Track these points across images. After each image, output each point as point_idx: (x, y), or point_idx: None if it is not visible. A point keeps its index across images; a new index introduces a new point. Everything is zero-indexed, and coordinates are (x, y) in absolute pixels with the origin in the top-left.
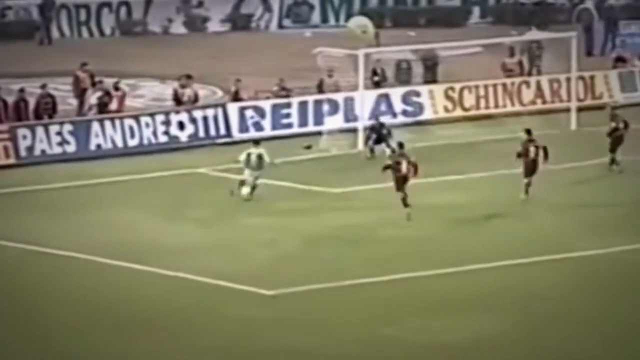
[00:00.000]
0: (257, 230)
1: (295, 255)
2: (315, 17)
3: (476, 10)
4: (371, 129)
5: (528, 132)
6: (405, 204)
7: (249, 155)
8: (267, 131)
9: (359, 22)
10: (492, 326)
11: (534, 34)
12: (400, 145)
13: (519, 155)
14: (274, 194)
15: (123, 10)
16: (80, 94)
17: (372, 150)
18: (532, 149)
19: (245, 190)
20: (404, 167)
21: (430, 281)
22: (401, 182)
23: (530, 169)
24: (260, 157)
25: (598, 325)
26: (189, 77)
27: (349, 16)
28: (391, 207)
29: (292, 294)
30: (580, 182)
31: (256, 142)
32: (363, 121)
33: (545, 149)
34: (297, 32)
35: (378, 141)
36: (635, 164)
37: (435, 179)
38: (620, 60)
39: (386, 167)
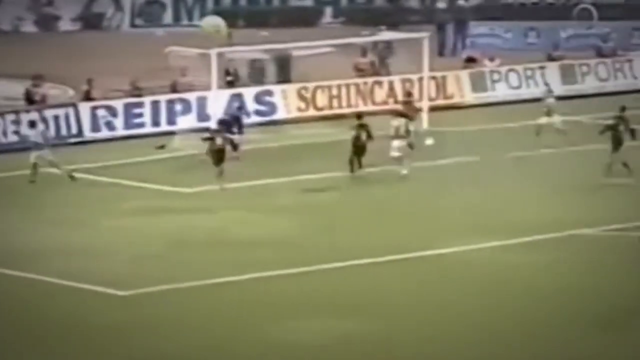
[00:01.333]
0: (112, 230)
1: (151, 256)
2: (168, 16)
3: (328, 10)
4: (220, 124)
5: (359, 116)
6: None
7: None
8: (120, 131)
9: (212, 22)
10: (357, 326)
11: (385, 34)
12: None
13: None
14: (128, 194)
15: None
16: None
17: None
18: (362, 134)
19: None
20: (218, 141)
21: (288, 281)
22: (216, 156)
23: (361, 151)
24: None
25: (465, 323)
26: (39, 76)
27: (202, 15)
28: (248, 206)
29: (149, 295)
30: (432, 181)
31: (32, 123)
32: (216, 121)
33: (369, 134)
34: (149, 31)
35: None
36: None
37: (289, 179)
38: (470, 60)
39: (204, 139)
